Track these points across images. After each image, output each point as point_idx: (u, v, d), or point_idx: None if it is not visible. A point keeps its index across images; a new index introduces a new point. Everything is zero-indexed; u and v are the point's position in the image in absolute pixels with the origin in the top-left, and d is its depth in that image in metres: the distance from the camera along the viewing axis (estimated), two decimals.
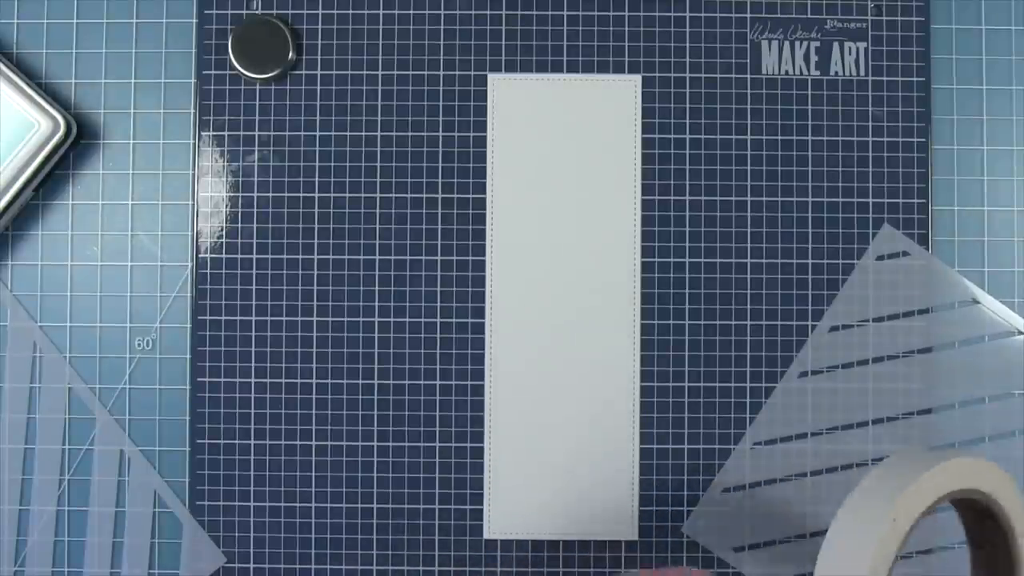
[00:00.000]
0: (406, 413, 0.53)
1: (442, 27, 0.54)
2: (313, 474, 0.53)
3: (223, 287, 0.53)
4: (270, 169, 0.53)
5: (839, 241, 0.53)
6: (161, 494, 0.53)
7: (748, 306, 0.53)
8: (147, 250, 0.53)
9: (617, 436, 0.53)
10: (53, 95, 0.52)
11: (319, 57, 0.54)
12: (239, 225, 0.53)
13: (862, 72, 0.54)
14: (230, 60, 0.53)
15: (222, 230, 0.53)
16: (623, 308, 0.53)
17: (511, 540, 0.53)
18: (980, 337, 0.53)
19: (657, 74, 0.53)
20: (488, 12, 0.54)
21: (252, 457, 0.53)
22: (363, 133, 0.53)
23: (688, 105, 0.53)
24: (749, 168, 0.53)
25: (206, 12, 0.54)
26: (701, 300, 0.53)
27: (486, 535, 0.53)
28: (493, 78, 0.53)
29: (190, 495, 0.53)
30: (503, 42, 0.54)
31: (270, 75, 0.53)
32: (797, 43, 0.54)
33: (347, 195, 0.53)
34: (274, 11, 0.54)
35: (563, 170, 0.53)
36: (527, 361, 0.53)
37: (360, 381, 0.53)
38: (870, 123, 0.53)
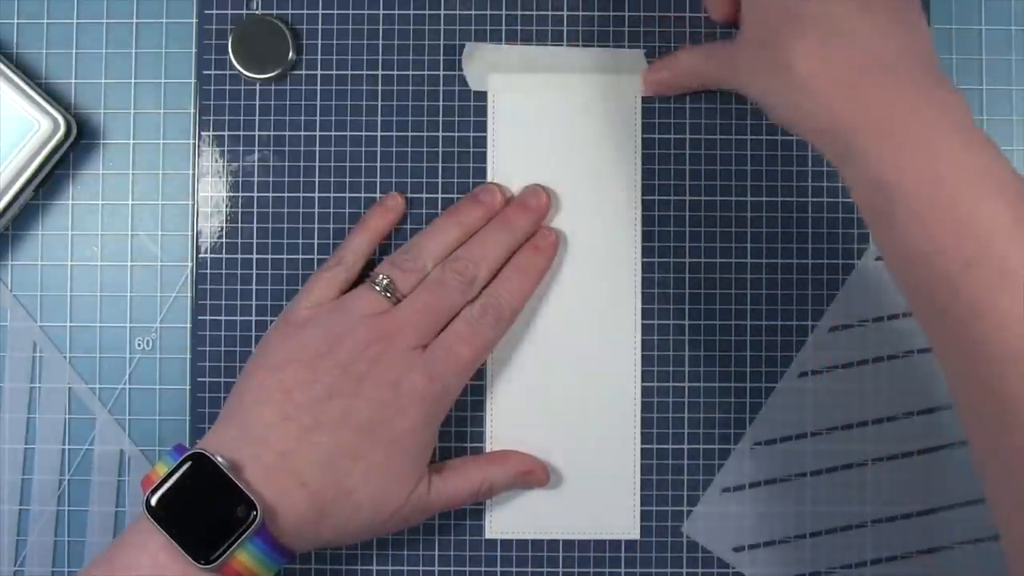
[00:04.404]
0: None
1: (442, 27, 0.54)
2: None
3: (223, 287, 0.53)
4: (270, 169, 0.53)
5: (839, 241, 0.53)
6: None
7: (748, 306, 0.53)
8: (147, 250, 0.53)
9: (617, 436, 0.53)
10: (53, 95, 0.52)
11: (319, 57, 0.53)
12: (239, 225, 0.53)
13: None
14: (230, 60, 0.53)
15: (222, 230, 0.53)
16: (623, 308, 0.53)
17: (511, 540, 0.53)
18: None
19: None
20: (488, 12, 0.54)
21: None
22: (363, 133, 0.53)
23: (688, 105, 0.53)
24: (749, 168, 0.53)
25: (206, 12, 0.54)
26: (701, 300, 0.53)
27: (486, 535, 0.53)
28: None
29: None
30: (503, 42, 0.54)
31: (270, 75, 0.53)
32: None
33: (347, 195, 0.53)
34: (274, 11, 0.54)
35: (563, 170, 0.53)
36: (527, 360, 0.53)
37: None
38: None
